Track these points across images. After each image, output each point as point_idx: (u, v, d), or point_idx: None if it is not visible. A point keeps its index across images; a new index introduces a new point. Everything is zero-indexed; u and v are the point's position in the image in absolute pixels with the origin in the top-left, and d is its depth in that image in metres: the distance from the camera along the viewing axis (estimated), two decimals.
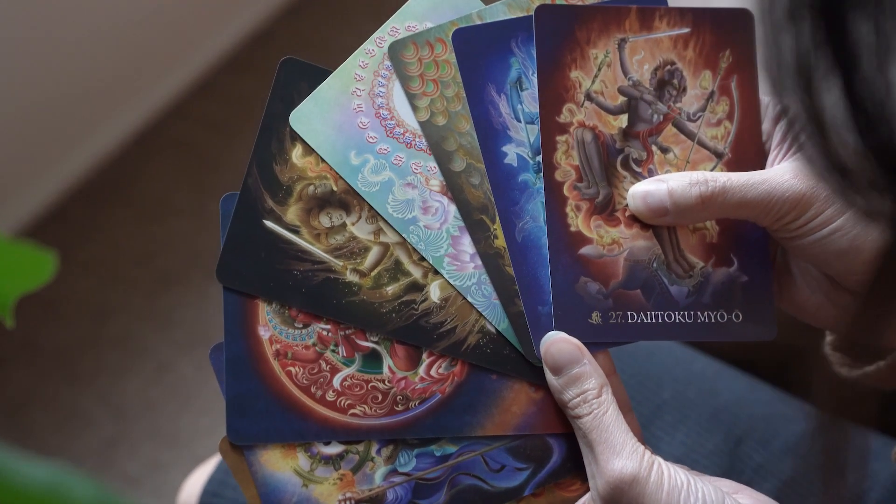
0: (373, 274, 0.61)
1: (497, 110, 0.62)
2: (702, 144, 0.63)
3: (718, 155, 0.63)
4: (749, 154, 0.62)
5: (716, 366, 0.82)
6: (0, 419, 1.52)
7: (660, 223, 0.61)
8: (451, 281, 0.61)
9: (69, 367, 1.54)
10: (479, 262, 0.61)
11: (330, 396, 0.60)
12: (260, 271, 0.60)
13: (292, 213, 0.61)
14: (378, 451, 0.60)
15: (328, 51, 1.71)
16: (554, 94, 0.62)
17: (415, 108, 0.62)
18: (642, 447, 0.57)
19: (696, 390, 0.80)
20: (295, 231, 0.61)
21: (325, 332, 0.60)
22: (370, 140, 0.62)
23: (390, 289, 0.61)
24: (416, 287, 0.61)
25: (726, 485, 0.59)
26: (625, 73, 0.63)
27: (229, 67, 1.75)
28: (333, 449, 0.60)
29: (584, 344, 0.60)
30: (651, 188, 0.61)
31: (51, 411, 1.51)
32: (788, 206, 0.58)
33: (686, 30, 0.63)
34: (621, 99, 0.63)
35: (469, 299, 0.61)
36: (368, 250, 0.61)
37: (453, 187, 0.61)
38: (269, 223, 0.61)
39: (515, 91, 0.62)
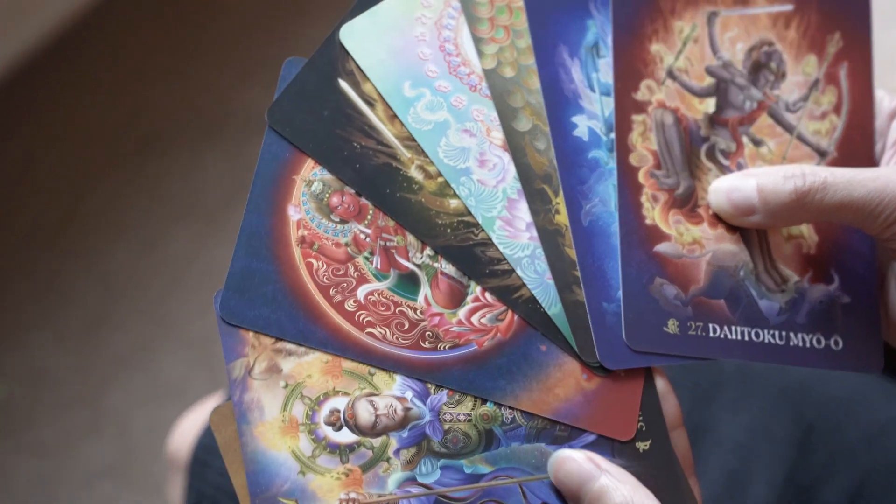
0: (439, 180, 0.51)
1: (569, 75, 0.54)
2: (802, 139, 0.55)
3: (821, 153, 0.55)
4: (858, 154, 0.54)
5: None
6: None
7: (746, 224, 0.52)
8: (501, 248, 0.51)
9: (50, 238, 1.40)
10: (536, 234, 0.51)
11: (350, 306, 0.50)
12: (317, 127, 0.51)
13: (371, 87, 0.52)
14: (396, 453, 0.49)
15: None
16: (631, 68, 0.54)
17: (481, 54, 0.53)
18: None
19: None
20: (370, 104, 0.52)
21: (362, 236, 0.51)
22: (430, 74, 0.52)
23: (453, 203, 0.51)
24: None
25: None
26: (714, 50, 0.55)
27: None
28: (344, 438, 0.49)
29: (658, 355, 0.50)
30: (737, 183, 0.52)
31: (32, 281, 1.38)
32: None
33: (789, 7, 0.56)
34: (708, 80, 0.55)
35: (518, 272, 0.51)
36: None
37: (515, 148, 0.52)
38: (343, 83, 0.52)
39: (591, 57, 0.54)
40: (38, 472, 1.30)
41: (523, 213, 0.51)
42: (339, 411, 0.49)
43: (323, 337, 0.49)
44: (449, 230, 0.51)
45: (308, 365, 0.49)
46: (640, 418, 0.50)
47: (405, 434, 0.49)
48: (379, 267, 0.51)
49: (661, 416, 0.50)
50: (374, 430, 0.49)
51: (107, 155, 1.46)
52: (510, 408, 0.50)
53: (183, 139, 1.46)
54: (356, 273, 0.50)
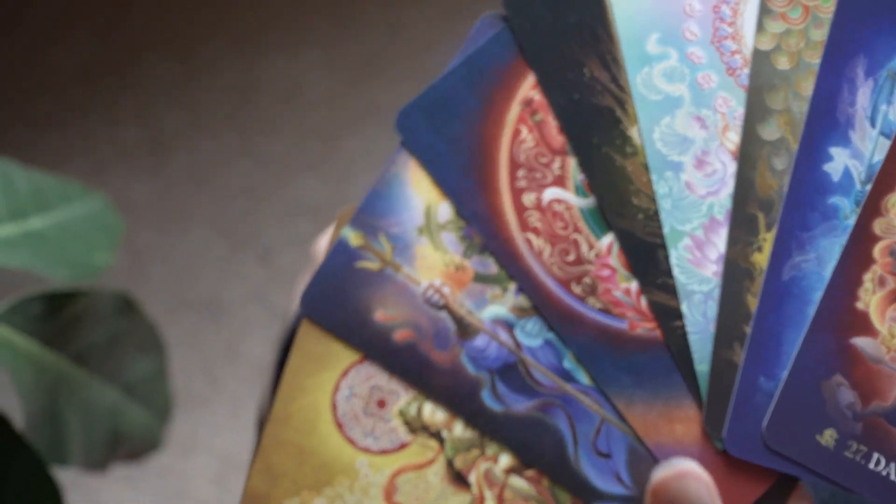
0: None
1: (852, 95, 0.43)
2: None
3: None
4: None
5: None
6: None
7: None
8: (676, 271, 0.42)
9: None
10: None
11: (527, 200, 0.42)
12: (553, 32, 0.42)
13: None
14: (517, 292, 0.42)
15: None
16: None
17: (760, 29, 0.43)
18: None
19: None
20: None
21: None
22: (687, 35, 0.42)
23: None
24: None
25: None
26: None
27: None
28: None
29: (796, 467, 0.42)
30: None
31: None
32: None
33: None
34: None
35: (683, 308, 0.42)
36: None
37: (746, 157, 0.42)
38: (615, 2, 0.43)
39: (890, 84, 0.43)
40: (252, 181, 1.30)
41: (721, 240, 0.42)
42: None
43: (477, 211, 0.42)
44: (640, 215, 0.42)
45: None
46: None
47: None
48: (584, 179, 0.43)
49: None
50: None
51: None
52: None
53: None
54: (559, 171, 0.42)
